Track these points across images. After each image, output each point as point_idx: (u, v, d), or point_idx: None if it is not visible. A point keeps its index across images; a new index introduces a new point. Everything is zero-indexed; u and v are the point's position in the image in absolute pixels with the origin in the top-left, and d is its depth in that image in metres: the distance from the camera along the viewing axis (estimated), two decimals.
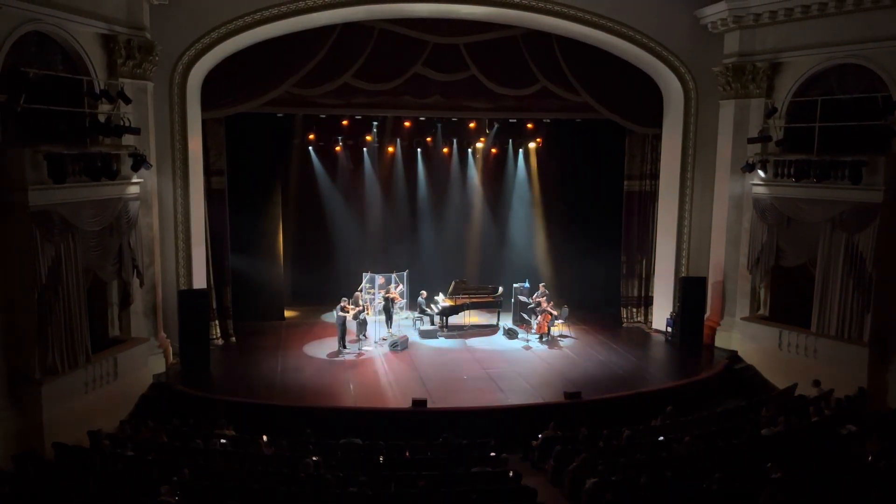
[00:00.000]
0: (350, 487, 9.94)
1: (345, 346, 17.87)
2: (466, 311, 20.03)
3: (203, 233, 17.32)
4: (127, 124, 14.20)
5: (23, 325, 12.06)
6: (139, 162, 14.09)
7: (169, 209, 16.39)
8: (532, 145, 23.31)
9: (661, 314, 19.60)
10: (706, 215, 18.46)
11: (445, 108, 19.79)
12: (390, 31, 17.69)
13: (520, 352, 18.23)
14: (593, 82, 18.65)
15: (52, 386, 12.35)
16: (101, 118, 14.08)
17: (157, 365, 15.73)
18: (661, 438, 12.21)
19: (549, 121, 21.52)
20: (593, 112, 19.32)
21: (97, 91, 14.07)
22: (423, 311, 20.05)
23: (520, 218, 23.67)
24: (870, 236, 14.55)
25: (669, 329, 18.90)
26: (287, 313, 21.07)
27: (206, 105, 17.05)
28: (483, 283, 21.17)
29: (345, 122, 20.81)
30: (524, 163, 23.53)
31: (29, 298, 11.95)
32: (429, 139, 22.42)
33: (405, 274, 20.68)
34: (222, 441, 11.75)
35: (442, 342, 19.00)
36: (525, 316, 19.92)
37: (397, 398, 14.75)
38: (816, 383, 14.09)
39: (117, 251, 13.90)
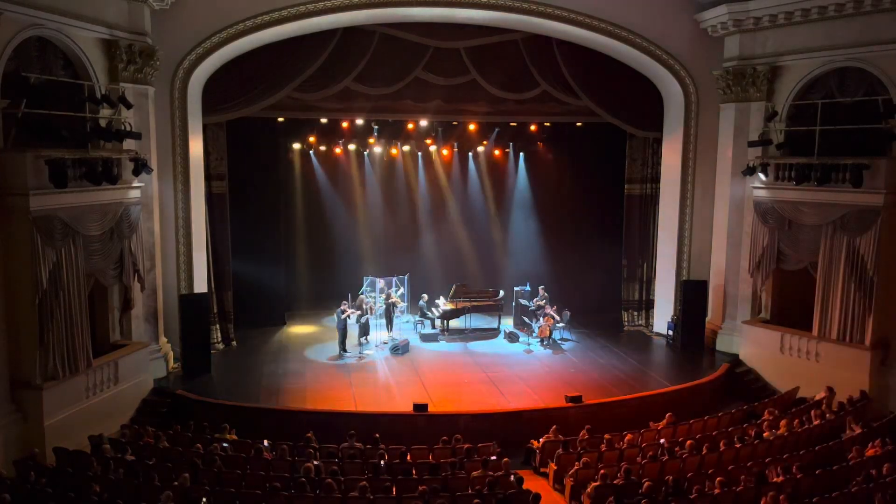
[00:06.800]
0: (351, 492, 9.93)
1: (346, 350, 17.86)
2: (467, 315, 20.02)
3: (204, 237, 17.34)
4: (128, 129, 14.22)
5: (24, 330, 12.06)
6: (140, 166, 14.10)
7: (170, 213, 16.41)
8: (533, 149, 23.33)
9: (662, 318, 19.59)
10: (707, 219, 18.46)
11: (446, 112, 19.79)
12: (391, 35, 17.72)
13: (521, 355, 18.21)
14: (594, 86, 18.67)
15: (53, 391, 12.35)
16: (103, 123, 14.10)
17: (159, 369, 15.73)
18: (663, 442, 12.19)
19: (549, 124, 21.52)
20: (594, 116, 19.34)
21: (98, 96, 14.09)
22: (424, 315, 20.06)
23: (520, 221, 23.68)
24: (871, 239, 14.55)
25: (670, 332, 18.88)
26: (288, 317, 21.06)
27: (207, 109, 17.07)
28: (484, 287, 21.17)
29: (345, 126, 20.83)
30: (525, 166, 23.55)
31: (30, 304, 11.96)
32: (429, 143, 22.44)
33: (406, 277, 20.68)
34: (223, 446, 11.73)
35: (443, 346, 18.99)
36: (526, 319, 19.92)
37: (398, 402, 14.73)
38: (829, 390, 14.05)
39: (118, 256, 13.90)
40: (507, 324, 20.40)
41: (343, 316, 17.81)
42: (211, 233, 17.76)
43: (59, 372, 12.44)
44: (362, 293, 19.52)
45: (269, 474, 10.55)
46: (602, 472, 10.72)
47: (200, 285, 17.07)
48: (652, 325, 20.15)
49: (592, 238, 21.75)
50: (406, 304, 20.71)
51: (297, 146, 21.72)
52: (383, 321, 19.17)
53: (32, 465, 10.62)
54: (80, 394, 13.05)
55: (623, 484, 10.45)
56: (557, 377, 16.43)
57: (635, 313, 20.64)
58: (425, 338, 19.33)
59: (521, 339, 19.29)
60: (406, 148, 22.62)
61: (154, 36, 15.43)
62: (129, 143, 14.47)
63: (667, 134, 19.28)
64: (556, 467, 11.87)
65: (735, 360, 17.18)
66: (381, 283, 19.89)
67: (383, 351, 18.20)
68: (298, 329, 20.30)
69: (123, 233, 13.89)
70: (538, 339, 18.90)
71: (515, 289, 20.70)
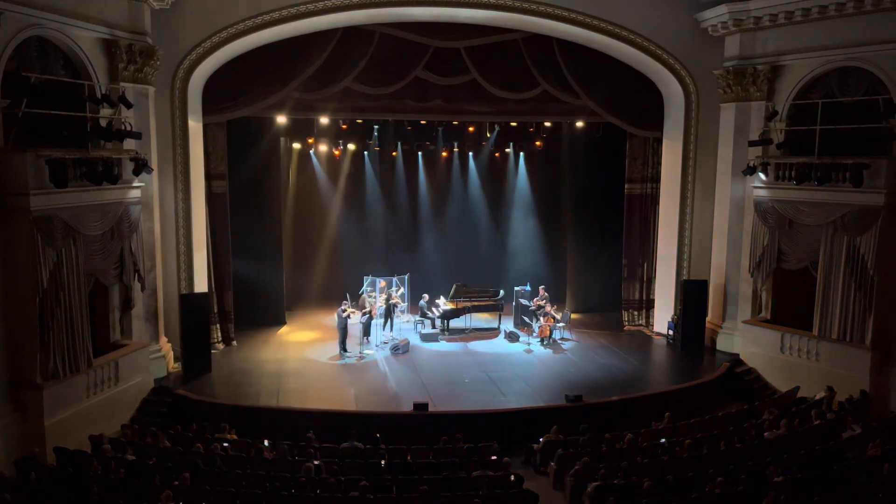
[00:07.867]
0: (351, 492, 9.94)
1: (346, 350, 17.86)
2: (467, 315, 20.02)
3: (204, 237, 17.34)
4: (128, 129, 14.22)
5: (24, 330, 12.07)
6: (140, 166, 14.10)
7: (170, 213, 16.41)
8: (533, 149, 23.33)
9: (662, 317, 19.59)
10: (707, 218, 18.46)
11: (446, 112, 19.77)
12: (391, 35, 17.72)
13: (521, 355, 18.21)
14: (594, 86, 18.66)
15: (53, 391, 12.36)
16: (103, 123, 14.10)
17: (159, 369, 15.74)
18: (663, 442, 12.19)
19: (549, 124, 21.52)
20: (594, 115, 19.35)
21: (99, 96, 14.09)
22: (424, 315, 20.06)
23: (521, 221, 23.69)
24: (871, 239, 14.55)
25: (671, 332, 18.88)
26: (288, 317, 21.06)
27: (207, 109, 17.08)
28: (484, 287, 21.17)
29: (345, 126, 20.83)
30: (525, 166, 23.56)
31: (30, 303, 11.96)
32: (429, 143, 22.43)
33: (406, 277, 20.69)
34: (224, 445, 11.74)
35: (443, 345, 18.98)
36: (526, 319, 19.92)
37: (398, 402, 14.74)
38: (830, 389, 14.06)
39: (119, 255, 13.91)
40: (508, 324, 20.40)
41: (344, 315, 17.81)
42: (211, 233, 17.76)
43: (60, 371, 12.45)
44: (363, 293, 19.53)
45: (270, 474, 10.56)
46: (602, 472, 10.73)
47: (201, 285, 17.08)
48: (652, 325, 20.14)
49: (592, 238, 21.74)
50: (406, 303, 20.71)
51: (297, 146, 21.73)
52: (383, 321, 19.16)
53: (33, 464, 10.63)
54: (80, 393, 13.07)
55: (623, 484, 10.45)
56: (557, 377, 16.43)
57: (636, 313, 20.62)
58: (425, 338, 19.32)
59: (521, 339, 19.28)
60: (406, 147, 22.60)
61: (154, 36, 15.43)
62: (129, 143, 14.47)
63: (667, 133, 19.27)
64: (556, 467, 11.87)
65: (735, 359, 17.17)
66: (381, 282, 19.90)
67: (383, 351, 18.21)
68: (298, 329, 20.27)
69: (124, 232, 13.91)
70: (538, 339, 18.90)
71: (516, 289, 20.70)
